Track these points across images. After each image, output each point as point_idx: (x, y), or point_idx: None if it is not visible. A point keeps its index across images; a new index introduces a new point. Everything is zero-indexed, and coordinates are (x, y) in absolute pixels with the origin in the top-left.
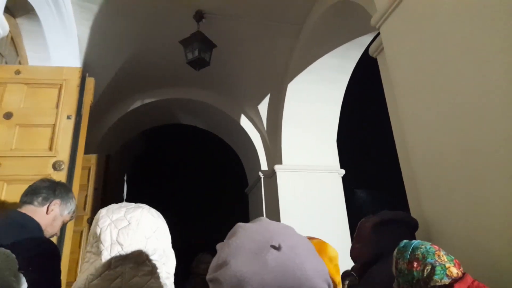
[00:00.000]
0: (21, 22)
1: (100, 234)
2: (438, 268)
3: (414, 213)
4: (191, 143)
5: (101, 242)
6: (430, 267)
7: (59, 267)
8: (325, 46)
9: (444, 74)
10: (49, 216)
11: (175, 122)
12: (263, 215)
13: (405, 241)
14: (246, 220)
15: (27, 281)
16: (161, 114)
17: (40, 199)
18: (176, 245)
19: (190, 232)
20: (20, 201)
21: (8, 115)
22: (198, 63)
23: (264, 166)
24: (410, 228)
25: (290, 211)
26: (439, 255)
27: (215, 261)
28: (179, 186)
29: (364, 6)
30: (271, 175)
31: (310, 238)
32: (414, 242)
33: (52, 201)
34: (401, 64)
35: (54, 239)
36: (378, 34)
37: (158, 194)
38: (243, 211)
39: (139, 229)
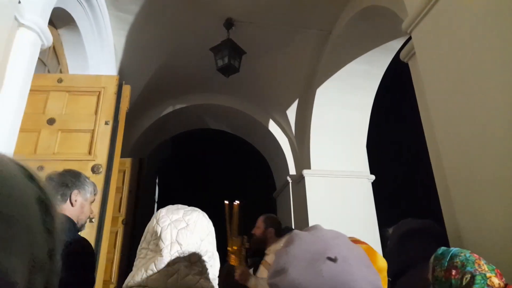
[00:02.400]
0: (62, 33)
1: (161, 232)
2: (478, 278)
3: (447, 222)
4: (219, 147)
5: (162, 240)
6: (469, 276)
7: (92, 264)
8: (354, 51)
9: (478, 79)
10: (76, 207)
11: (204, 127)
12: (291, 220)
13: (442, 248)
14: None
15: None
16: (190, 119)
17: (59, 197)
18: None
19: (219, 236)
20: None
21: (51, 121)
22: (228, 70)
23: (292, 170)
24: (435, 237)
25: (318, 216)
26: (479, 264)
27: (274, 267)
28: (208, 190)
29: (395, 11)
30: (299, 180)
31: (357, 241)
32: (453, 249)
33: (71, 194)
34: (433, 69)
35: (93, 235)
36: (409, 39)
37: (187, 197)
38: None
39: (195, 231)
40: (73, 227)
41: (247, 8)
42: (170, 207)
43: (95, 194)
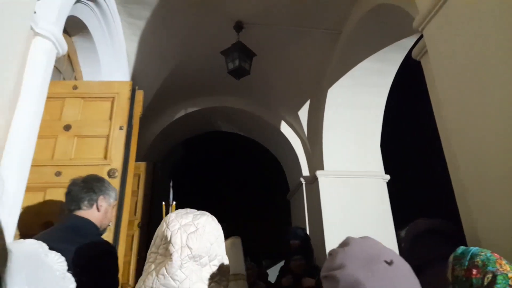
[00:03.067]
0: (76, 40)
1: (171, 237)
2: (499, 278)
3: (464, 221)
4: (232, 150)
5: (172, 245)
6: (491, 275)
7: (116, 266)
8: (365, 50)
9: (491, 75)
10: (101, 212)
11: (216, 130)
12: (305, 221)
13: (462, 247)
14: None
15: (78, 281)
16: (203, 122)
17: (85, 202)
18: None
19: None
20: (68, 210)
21: (67, 127)
22: (239, 73)
23: (305, 171)
24: (447, 236)
25: (332, 217)
26: (500, 264)
27: (329, 263)
28: (221, 192)
29: (406, 9)
30: (313, 181)
31: None
32: (473, 248)
33: (97, 199)
34: (446, 66)
35: (110, 238)
36: (421, 36)
37: (200, 200)
38: (285, 216)
39: (205, 235)
40: (96, 231)
41: (257, 11)
42: (179, 211)
43: (116, 199)
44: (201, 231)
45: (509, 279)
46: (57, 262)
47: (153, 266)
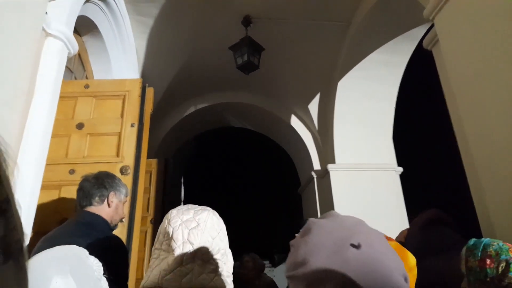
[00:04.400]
0: (86, 39)
1: (172, 233)
2: None
3: (479, 213)
4: (242, 145)
5: (174, 241)
6: (504, 263)
7: (127, 261)
8: (375, 41)
9: (503, 63)
10: (112, 208)
11: (226, 125)
12: (317, 215)
13: (473, 239)
14: (301, 219)
15: None
16: (212, 118)
17: (96, 198)
18: (231, 244)
19: (244, 232)
20: (80, 206)
21: (80, 126)
22: (248, 67)
23: (316, 165)
24: (448, 225)
25: (345, 210)
26: None
27: (292, 259)
28: (232, 187)
29: None
30: (324, 175)
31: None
32: (484, 239)
33: (108, 195)
34: (458, 55)
35: (124, 234)
36: (432, 25)
37: (212, 195)
38: (297, 211)
39: (206, 230)
40: (107, 226)
41: (264, 5)
42: (180, 207)
43: (126, 196)
44: (202, 227)
45: None
46: (96, 264)
47: (156, 262)
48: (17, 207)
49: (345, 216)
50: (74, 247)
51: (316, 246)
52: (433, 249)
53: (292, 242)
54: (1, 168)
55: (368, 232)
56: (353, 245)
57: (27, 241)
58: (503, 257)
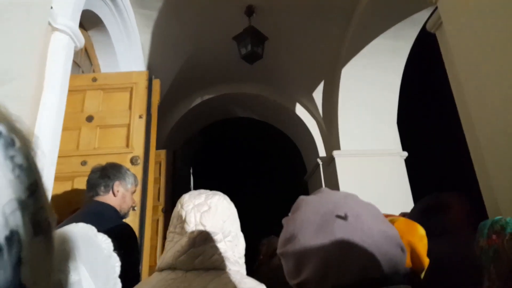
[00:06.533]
0: (92, 34)
1: (185, 216)
2: None
3: (485, 196)
4: (249, 135)
5: (187, 223)
6: (509, 235)
7: (137, 247)
8: (379, 27)
9: (509, 45)
10: (118, 197)
11: (233, 116)
12: None
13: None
14: None
15: None
16: (219, 109)
17: (102, 188)
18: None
19: (253, 220)
20: (88, 197)
21: (89, 119)
22: (252, 57)
23: (322, 152)
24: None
25: None
26: None
27: (283, 236)
28: (240, 177)
29: None
30: (330, 161)
31: (392, 216)
32: (494, 218)
33: (113, 185)
34: (462, 37)
35: (136, 222)
36: (436, 9)
37: (220, 184)
38: None
39: (217, 213)
40: (116, 214)
41: None
42: (192, 192)
43: (136, 185)
44: (213, 210)
45: None
46: (105, 242)
47: (171, 245)
48: (44, 190)
49: (335, 191)
50: (82, 225)
51: (304, 222)
52: (433, 233)
53: (283, 220)
54: (30, 154)
55: (356, 203)
56: (339, 217)
57: (53, 218)
58: (508, 230)
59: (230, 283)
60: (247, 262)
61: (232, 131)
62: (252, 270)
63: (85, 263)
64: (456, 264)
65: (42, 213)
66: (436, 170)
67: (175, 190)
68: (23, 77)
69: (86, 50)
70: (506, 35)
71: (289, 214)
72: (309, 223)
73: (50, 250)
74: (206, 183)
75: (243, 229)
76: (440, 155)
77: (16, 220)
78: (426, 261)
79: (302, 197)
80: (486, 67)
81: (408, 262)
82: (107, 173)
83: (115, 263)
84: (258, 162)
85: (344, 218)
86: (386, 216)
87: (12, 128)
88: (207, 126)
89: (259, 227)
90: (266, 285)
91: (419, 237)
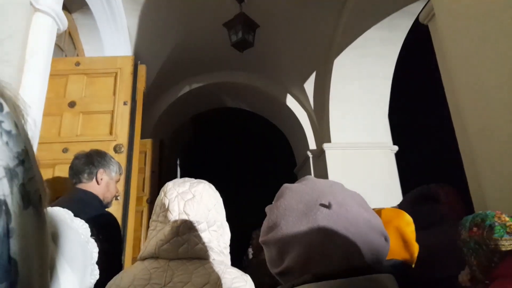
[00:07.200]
0: (76, 17)
1: (168, 204)
2: (497, 228)
3: (472, 189)
4: (238, 126)
5: (170, 212)
6: (488, 227)
7: (120, 237)
8: (372, 18)
9: (502, 38)
10: (102, 185)
11: (222, 106)
12: None
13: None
14: None
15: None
16: (208, 99)
17: (85, 175)
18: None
19: (241, 213)
20: (72, 184)
21: (72, 104)
22: (242, 45)
23: (312, 145)
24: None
25: None
26: (499, 217)
27: (265, 224)
28: (229, 168)
29: None
30: (320, 154)
31: (380, 209)
32: (476, 212)
33: (97, 172)
34: (455, 29)
35: (119, 212)
36: (429, 0)
37: (208, 176)
38: None
39: (202, 201)
40: (99, 203)
41: None
42: (176, 180)
43: (120, 174)
44: (198, 198)
45: (507, 227)
46: (82, 227)
47: (153, 233)
48: (35, 161)
49: (320, 180)
50: (57, 209)
51: (287, 210)
52: (421, 224)
53: (266, 208)
54: (20, 122)
55: (341, 192)
56: (323, 205)
57: (45, 192)
58: (487, 222)
59: (214, 273)
60: (236, 253)
61: (221, 121)
62: (242, 261)
63: (60, 248)
64: (447, 252)
65: (33, 184)
66: (426, 165)
67: (161, 180)
68: (3, 59)
69: (70, 33)
70: (497, 27)
71: (273, 202)
72: (293, 211)
73: (43, 225)
74: (195, 174)
75: (231, 221)
76: (430, 150)
77: (3, 189)
78: (415, 246)
79: (286, 185)
80: (477, 60)
81: (399, 249)
82: (92, 160)
83: (93, 249)
84: (247, 155)
85: (328, 206)
86: (374, 210)
87: (1, 93)
88: (195, 117)
89: (247, 219)
90: (255, 276)
91: (406, 222)
